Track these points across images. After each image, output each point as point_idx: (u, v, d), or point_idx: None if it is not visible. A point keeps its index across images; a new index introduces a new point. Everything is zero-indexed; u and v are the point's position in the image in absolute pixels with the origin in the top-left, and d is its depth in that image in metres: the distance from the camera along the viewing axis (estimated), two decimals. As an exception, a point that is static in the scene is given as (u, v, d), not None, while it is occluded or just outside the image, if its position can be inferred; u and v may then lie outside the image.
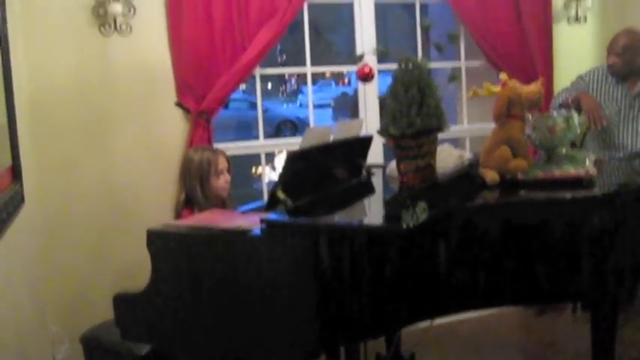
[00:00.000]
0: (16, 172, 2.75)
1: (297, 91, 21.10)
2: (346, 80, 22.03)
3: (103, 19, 3.51)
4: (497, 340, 4.10)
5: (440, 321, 2.67)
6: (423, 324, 2.42)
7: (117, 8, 3.47)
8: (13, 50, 2.86)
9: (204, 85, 3.64)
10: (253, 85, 4.13)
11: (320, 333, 2.03)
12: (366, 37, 4.16)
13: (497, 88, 2.61)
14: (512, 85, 2.60)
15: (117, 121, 3.60)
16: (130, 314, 2.35)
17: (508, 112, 2.58)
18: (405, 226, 1.93)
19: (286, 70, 4.43)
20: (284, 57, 16.09)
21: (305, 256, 1.97)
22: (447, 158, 2.74)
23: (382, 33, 4.27)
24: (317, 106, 20.04)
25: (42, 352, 3.17)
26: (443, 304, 2.23)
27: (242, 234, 2.04)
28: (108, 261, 3.62)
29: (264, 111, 15.07)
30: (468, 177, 2.66)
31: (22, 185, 2.82)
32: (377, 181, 3.03)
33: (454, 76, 2.79)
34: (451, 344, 3.97)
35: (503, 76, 2.62)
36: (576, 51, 4.62)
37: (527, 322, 4.34)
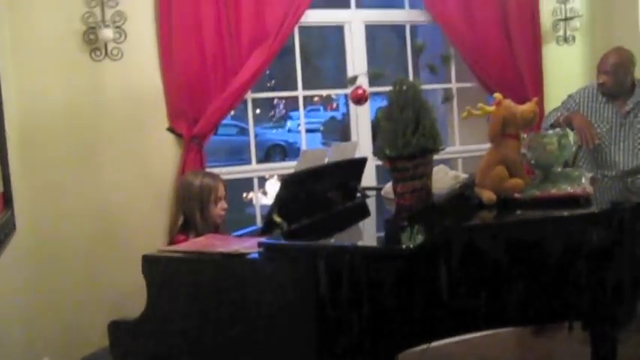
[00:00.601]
0: (7, 198, 2.72)
1: (286, 117, 21.15)
2: (334, 105, 22.12)
3: (94, 44, 3.50)
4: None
5: (436, 343, 2.63)
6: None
7: (108, 34, 3.45)
8: (2, 75, 2.84)
9: (196, 109, 3.62)
10: (242, 110, 4.13)
11: (320, 357, 2.00)
12: (357, 59, 4.17)
13: (491, 108, 2.60)
14: (507, 104, 2.59)
15: (108, 147, 3.58)
16: (125, 341, 2.31)
17: (503, 131, 2.57)
18: (404, 247, 1.91)
19: (278, 94, 4.46)
20: (273, 82, 16.15)
21: (303, 278, 1.95)
22: (443, 179, 2.74)
23: (371, 55, 4.27)
24: (307, 131, 19.95)
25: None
26: (444, 327, 2.20)
27: (240, 257, 2.02)
28: (100, 287, 3.57)
29: (254, 136, 15.13)
30: (463, 197, 2.65)
31: (12, 212, 2.79)
32: (371, 203, 3.02)
33: (448, 96, 2.78)
34: (448, 366, 3.93)
35: (497, 95, 2.62)
36: (566, 71, 4.65)
37: (525, 342, 4.30)
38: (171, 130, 3.65)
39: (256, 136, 15.13)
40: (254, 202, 5.18)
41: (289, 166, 3.92)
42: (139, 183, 3.64)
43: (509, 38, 4.36)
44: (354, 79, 2.77)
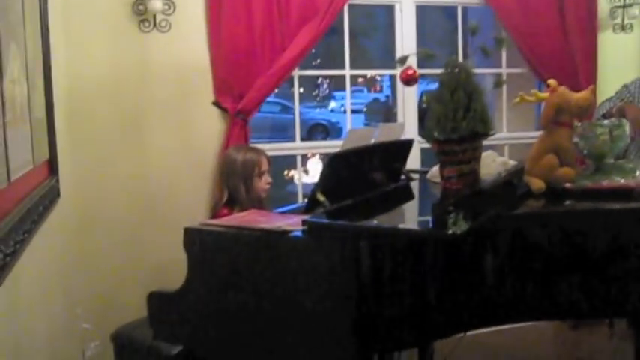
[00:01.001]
0: (52, 166, 2.73)
1: (329, 96, 21.08)
2: (378, 87, 21.99)
3: (142, 15, 3.49)
4: (531, 353, 4.01)
5: (472, 332, 2.59)
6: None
7: (157, 5, 3.45)
8: (52, 44, 2.85)
9: (242, 84, 3.60)
10: (285, 87, 4.10)
11: (359, 341, 1.97)
12: (406, 40, 4.10)
13: (545, 94, 2.53)
14: (562, 91, 2.52)
15: (153, 119, 3.59)
16: (163, 313, 2.30)
17: (556, 119, 2.50)
18: (451, 232, 1.86)
19: (324, 72, 4.37)
20: (318, 61, 16.08)
21: (346, 259, 1.91)
22: (490, 165, 2.67)
23: (421, 36, 4.19)
24: (350, 112, 19.92)
25: (72, 348, 3.15)
26: (484, 316, 2.15)
27: (283, 234, 1.99)
28: (141, 259, 3.60)
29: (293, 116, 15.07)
30: (511, 185, 2.58)
31: (58, 180, 2.80)
32: (415, 186, 2.97)
33: (499, 82, 2.70)
34: (483, 356, 3.88)
35: (552, 82, 2.54)
36: (621, 60, 4.50)
37: (562, 336, 4.24)
38: (216, 104, 3.64)
39: (300, 114, 15.16)
40: (295, 180, 5.17)
41: (333, 145, 3.90)
42: (182, 156, 3.64)
43: (564, 24, 4.24)
44: (405, 59, 2.70)
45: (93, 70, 3.45)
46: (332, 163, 2.31)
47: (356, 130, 2.71)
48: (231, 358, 2.20)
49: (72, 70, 3.36)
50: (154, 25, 3.51)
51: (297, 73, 3.90)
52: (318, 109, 19.41)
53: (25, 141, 2.13)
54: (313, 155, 6.66)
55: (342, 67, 4.12)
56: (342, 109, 18.29)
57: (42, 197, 2.40)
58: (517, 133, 4.47)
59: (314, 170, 6.90)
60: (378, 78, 21.30)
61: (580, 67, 4.26)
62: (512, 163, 2.74)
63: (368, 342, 1.99)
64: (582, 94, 2.53)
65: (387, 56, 4.05)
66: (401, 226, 2.21)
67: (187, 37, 3.60)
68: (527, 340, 4.10)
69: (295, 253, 1.96)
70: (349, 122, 4.55)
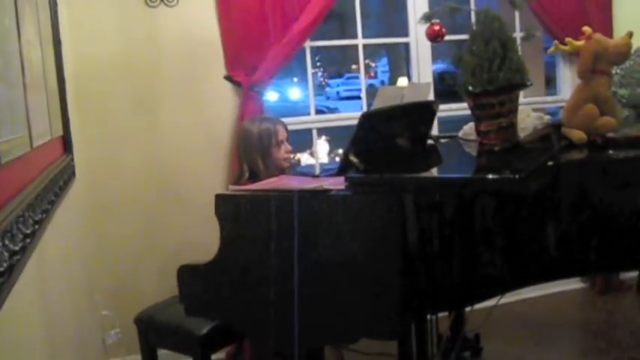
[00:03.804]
0: (66, 143, 2.61)
1: (324, 85, 21.07)
2: (372, 73, 22.03)
3: (148, -11, 3.37)
4: (560, 320, 3.93)
5: (502, 300, 2.48)
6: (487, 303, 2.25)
7: (163, -22, 3.32)
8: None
9: (254, 57, 3.48)
10: (281, 75, 3.94)
11: (406, 301, 1.86)
12: (418, 3, 3.98)
13: (581, 43, 2.42)
14: (598, 37, 2.41)
15: (164, 95, 3.46)
16: (196, 287, 2.19)
17: (594, 67, 2.39)
18: (514, 176, 1.75)
19: (338, 43, 4.26)
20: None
21: (394, 214, 1.80)
22: (525, 120, 2.57)
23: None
24: (347, 98, 20.02)
25: (92, 336, 3.04)
26: (538, 273, 2.05)
27: (325, 193, 1.88)
28: (156, 236, 3.49)
29: (295, 103, 14.90)
30: (548, 139, 2.48)
31: (72, 158, 2.68)
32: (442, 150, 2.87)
33: (530, 34, 2.60)
34: (514, 324, 3.80)
35: (586, 29, 2.44)
36: (637, 17, 4.39)
37: (591, 301, 4.16)
38: (228, 78, 3.51)
39: (297, 102, 15.09)
40: (306, 159, 5.05)
41: (348, 117, 3.80)
42: (196, 132, 3.52)
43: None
44: (430, 15, 2.59)
45: (99, 47, 3.33)
46: (364, 122, 2.20)
47: (386, 88, 2.60)
48: (269, 328, 2.09)
49: (79, 47, 3.24)
50: (161, -1, 3.38)
51: (308, 44, 3.78)
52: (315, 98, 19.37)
53: (42, 108, 2.01)
54: (320, 137, 6.54)
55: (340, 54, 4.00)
56: (338, 96, 18.39)
57: (58, 174, 2.29)
58: (527, 98, 4.36)
59: (321, 152, 6.78)
60: (372, 65, 21.31)
61: (595, 26, 4.13)
62: (547, 117, 2.63)
63: (413, 300, 1.89)
64: (620, 41, 2.43)
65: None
66: (449, 176, 2.09)
67: (196, 11, 3.47)
68: (556, 308, 4.03)
69: (339, 211, 1.85)
70: (364, 90, 4.35)
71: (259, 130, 3.04)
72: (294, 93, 16.48)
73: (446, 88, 3.37)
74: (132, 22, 3.38)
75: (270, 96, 4.71)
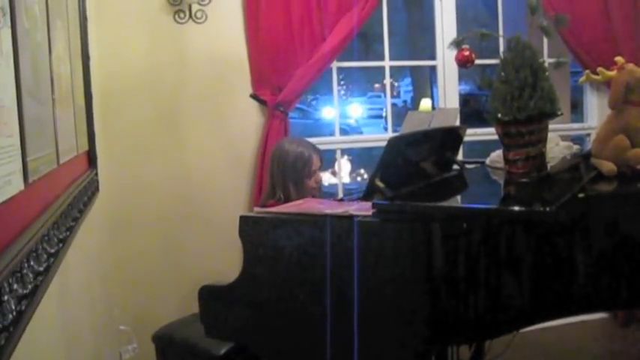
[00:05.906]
0: (91, 158, 2.62)
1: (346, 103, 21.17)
2: (395, 93, 22.11)
3: (178, 6, 3.38)
4: (582, 350, 3.88)
5: (522, 329, 2.44)
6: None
7: (193, -5, 3.33)
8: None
9: (281, 76, 3.48)
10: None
11: (431, 330, 1.83)
12: (446, 25, 3.97)
13: (613, 73, 2.39)
14: (631, 68, 2.38)
15: (190, 111, 3.46)
16: (217, 309, 2.16)
17: (625, 98, 2.36)
18: (546, 209, 1.72)
19: (364, 64, 4.26)
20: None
21: (421, 243, 1.77)
22: (554, 149, 2.53)
23: (461, 25, 4.05)
24: (369, 117, 20.07)
25: (109, 351, 3.02)
26: (564, 307, 2.01)
27: (352, 219, 1.85)
28: (177, 254, 3.47)
29: (316, 120, 14.91)
30: (577, 169, 2.44)
31: (97, 173, 2.69)
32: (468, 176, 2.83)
33: (560, 62, 2.58)
34: (535, 353, 3.74)
35: (619, 59, 2.41)
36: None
37: (613, 333, 4.09)
38: (254, 96, 3.51)
39: (319, 120, 15.12)
40: (327, 180, 4.99)
41: (372, 139, 3.78)
42: (220, 151, 3.51)
43: (608, 13, 4.09)
44: (460, 41, 2.58)
45: (127, 63, 3.34)
46: (391, 147, 2.18)
47: (414, 113, 2.58)
48: (290, 352, 2.07)
49: (106, 63, 3.25)
50: (190, 15, 3.39)
51: (335, 64, 3.77)
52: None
53: (70, 124, 2.01)
54: (342, 157, 6.51)
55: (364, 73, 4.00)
56: (358, 116, 18.42)
57: (85, 187, 2.29)
58: (552, 125, 4.31)
59: (344, 172, 6.74)
60: (395, 84, 21.36)
61: (624, 54, 4.09)
62: (576, 147, 2.60)
63: (437, 331, 1.86)
64: (653, 71, 2.39)
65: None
66: (479, 206, 2.05)
67: (224, 28, 3.48)
68: (578, 338, 3.97)
69: (366, 237, 1.83)
70: (389, 107, 4.32)
71: (295, 154, 2.97)
72: (319, 111, 16.50)
73: (470, 111, 3.34)
74: (160, 38, 3.39)
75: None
